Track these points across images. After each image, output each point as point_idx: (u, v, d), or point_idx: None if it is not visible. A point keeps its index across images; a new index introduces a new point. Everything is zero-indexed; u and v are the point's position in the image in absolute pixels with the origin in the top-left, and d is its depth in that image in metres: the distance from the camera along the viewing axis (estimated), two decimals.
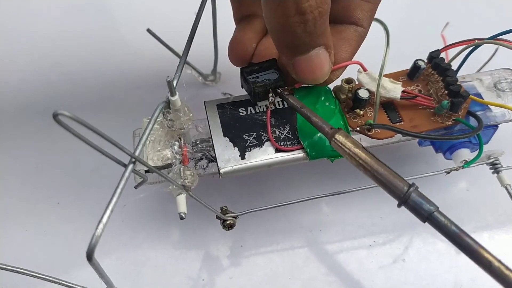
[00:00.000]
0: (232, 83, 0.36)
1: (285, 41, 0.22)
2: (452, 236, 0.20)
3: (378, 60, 0.25)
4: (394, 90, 0.26)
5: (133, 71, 0.38)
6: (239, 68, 0.26)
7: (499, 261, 0.19)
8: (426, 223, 0.20)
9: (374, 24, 0.26)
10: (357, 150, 0.21)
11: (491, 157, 0.28)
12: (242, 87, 0.26)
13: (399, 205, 0.21)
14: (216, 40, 0.32)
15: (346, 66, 0.25)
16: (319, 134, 0.25)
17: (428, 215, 0.20)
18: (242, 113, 0.26)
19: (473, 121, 0.27)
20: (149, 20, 0.42)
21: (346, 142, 0.22)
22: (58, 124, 0.15)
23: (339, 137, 0.22)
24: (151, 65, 0.38)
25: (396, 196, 0.21)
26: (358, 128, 0.26)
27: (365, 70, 0.26)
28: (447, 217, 0.20)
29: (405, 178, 0.26)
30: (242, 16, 0.28)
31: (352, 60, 0.25)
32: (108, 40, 0.41)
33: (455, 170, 0.28)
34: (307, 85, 0.26)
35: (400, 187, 0.20)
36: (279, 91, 0.25)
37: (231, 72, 0.28)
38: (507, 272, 0.18)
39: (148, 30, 0.27)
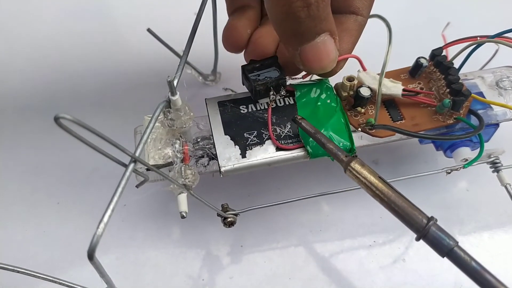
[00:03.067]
0: (232, 83, 0.36)
1: (290, 29, 0.22)
2: (472, 273, 0.19)
3: (379, 57, 0.25)
4: (395, 87, 0.26)
5: (134, 71, 0.38)
6: (240, 66, 0.26)
7: None
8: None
9: (376, 21, 0.26)
10: (373, 180, 0.21)
11: (492, 156, 0.28)
12: (243, 85, 0.26)
13: (417, 239, 0.20)
14: (216, 40, 0.32)
15: (348, 58, 0.25)
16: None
17: (448, 250, 0.19)
18: (243, 110, 0.26)
19: (474, 120, 0.27)
20: (149, 20, 0.42)
21: (362, 171, 0.21)
22: (59, 127, 0.15)
23: (355, 165, 0.21)
24: (151, 65, 0.38)
25: (415, 229, 0.20)
26: (359, 128, 0.26)
27: (364, 69, 0.26)
28: (467, 253, 0.19)
29: (405, 177, 0.27)
30: (235, 8, 0.28)
31: (353, 53, 0.25)
32: (108, 40, 0.41)
33: (456, 170, 0.28)
34: (308, 82, 0.26)
35: (419, 220, 0.20)
36: (293, 117, 0.24)
37: (231, 72, 0.28)
38: None
39: (148, 30, 0.27)
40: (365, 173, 0.21)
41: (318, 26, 0.22)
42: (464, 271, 0.19)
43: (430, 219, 0.20)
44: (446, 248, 0.19)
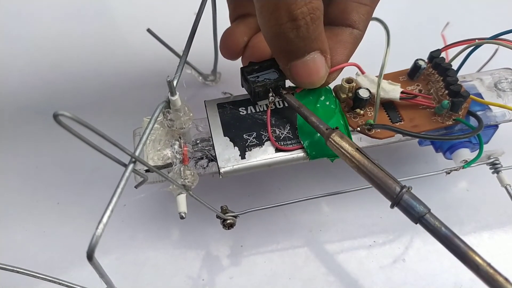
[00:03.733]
0: (232, 83, 0.36)
1: (280, 47, 0.23)
2: (442, 238, 0.20)
3: (378, 59, 0.25)
4: (393, 91, 0.26)
5: (133, 71, 0.38)
6: (240, 67, 0.26)
7: (488, 264, 0.19)
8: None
9: (374, 23, 0.26)
10: (352, 151, 0.22)
11: (491, 157, 0.28)
12: (242, 86, 0.26)
13: (391, 206, 0.21)
14: (216, 40, 0.32)
15: (342, 69, 0.25)
16: (319, 134, 0.25)
17: (419, 216, 0.20)
18: (243, 112, 0.26)
19: (473, 121, 0.27)
20: (149, 20, 0.42)
21: (342, 142, 0.22)
22: (58, 124, 0.15)
23: (335, 137, 0.22)
24: (151, 65, 0.38)
25: (389, 197, 0.21)
26: (358, 128, 0.26)
27: (363, 72, 0.26)
28: (438, 219, 0.20)
29: (405, 178, 0.27)
30: (237, 16, 0.29)
31: (349, 62, 0.25)
32: (108, 40, 0.41)
33: (455, 170, 0.28)
34: None
35: (392, 188, 0.21)
36: (279, 91, 0.25)
37: (231, 72, 0.28)
38: (496, 276, 0.19)
39: (148, 30, 0.27)
40: (343, 144, 0.22)
41: (308, 46, 0.22)
42: (435, 237, 0.20)
43: (403, 187, 0.21)
44: (418, 214, 0.20)
